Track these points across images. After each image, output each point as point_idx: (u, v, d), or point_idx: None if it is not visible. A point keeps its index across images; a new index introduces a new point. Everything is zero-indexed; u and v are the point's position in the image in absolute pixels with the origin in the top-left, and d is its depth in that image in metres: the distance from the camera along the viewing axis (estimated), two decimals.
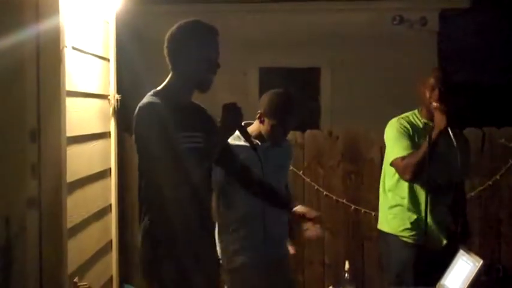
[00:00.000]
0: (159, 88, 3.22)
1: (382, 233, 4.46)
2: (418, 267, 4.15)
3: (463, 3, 9.40)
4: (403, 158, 4.17)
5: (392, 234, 4.32)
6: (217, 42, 3.23)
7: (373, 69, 9.09)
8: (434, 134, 4.05)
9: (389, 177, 4.37)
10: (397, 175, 4.26)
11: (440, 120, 4.06)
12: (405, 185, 4.24)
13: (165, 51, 3.22)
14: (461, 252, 3.55)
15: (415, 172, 4.12)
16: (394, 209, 4.33)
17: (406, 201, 4.25)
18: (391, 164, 4.25)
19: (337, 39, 9.21)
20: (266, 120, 3.99)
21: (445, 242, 4.25)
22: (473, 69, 10.15)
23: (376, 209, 5.95)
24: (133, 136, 3.20)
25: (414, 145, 4.19)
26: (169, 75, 3.25)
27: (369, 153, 6.11)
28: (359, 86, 9.10)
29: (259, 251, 3.99)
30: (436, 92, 4.20)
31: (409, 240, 4.25)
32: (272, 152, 4.02)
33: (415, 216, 4.23)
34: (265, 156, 3.93)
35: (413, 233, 4.23)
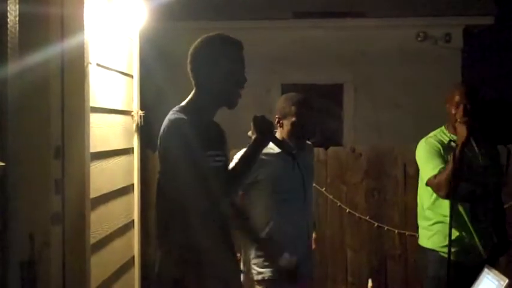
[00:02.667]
0: (183, 104, 3.14)
1: (422, 249, 4.43)
2: (458, 283, 4.11)
3: (487, 19, 9.39)
4: (435, 176, 4.16)
5: (433, 250, 4.30)
6: (243, 56, 3.15)
7: (397, 85, 9.08)
8: (458, 148, 4.04)
9: (426, 196, 4.35)
10: (434, 193, 4.25)
11: (462, 133, 4.06)
12: (444, 202, 4.21)
13: (189, 67, 3.14)
14: (486, 270, 3.50)
15: (448, 188, 4.10)
16: (434, 226, 4.31)
17: (446, 218, 4.21)
18: (427, 184, 4.25)
19: (360, 56, 9.22)
20: (285, 122, 4.01)
21: (485, 254, 4.22)
22: (497, 85, 10.10)
23: (399, 226, 5.96)
24: (158, 151, 3.12)
25: (444, 162, 4.18)
26: (193, 92, 3.17)
27: (392, 170, 6.08)
28: (382, 102, 9.09)
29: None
30: (461, 108, 4.18)
31: (453, 257, 4.20)
32: (300, 154, 4.04)
33: (456, 233, 4.19)
34: (298, 160, 3.95)
35: (454, 249, 4.19)
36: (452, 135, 4.27)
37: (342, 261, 6.06)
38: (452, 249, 4.18)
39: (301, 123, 4.03)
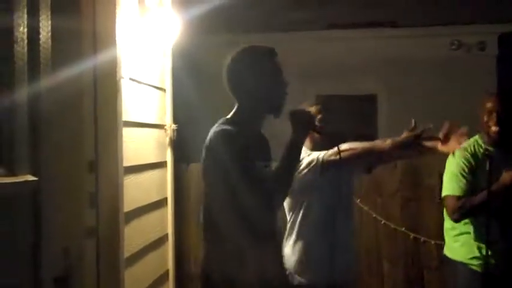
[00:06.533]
0: (228, 117, 3.10)
1: (448, 260, 4.34)
2: None
3: None
4: (458, 197, 4.09)
5: (460, 262, 4.21)
6: (279, 62, 3.12)
7: (431, 94, 9.00)
8: (496, 187, 3.96)
9: None
10: None
11: (505, 180, 3.97)
12: None
13: (227, 82, 3.09)
14: None
15: (464, 216, 4.10)
16: (461, 236, 4.22)
17: (472, 229, 4.14)
18: (444, 198, 4.17)
19: (394, 66, 9.16)
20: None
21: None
22: None
23: (435, 237, 5.86)
24: (203, 164, 3.03)
25: (473, 181, 4.09)
26: (236, 106, 3.11)
27: (428, 180, 6.00)
28: (416, 112, 8.96)
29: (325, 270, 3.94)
30: (494, 116, 4.11)
31: (478, 269, 4.12)
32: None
33: (483, 245, 4.10)
34: None
35: (481, 261, 4.11)
36: (486, 145, 4.19)
37: (379, 273, 5.98)
38: (480, 261, 4.10)
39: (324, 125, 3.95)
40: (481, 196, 3.98)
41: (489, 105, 4.16)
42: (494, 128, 4.09)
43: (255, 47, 3.14)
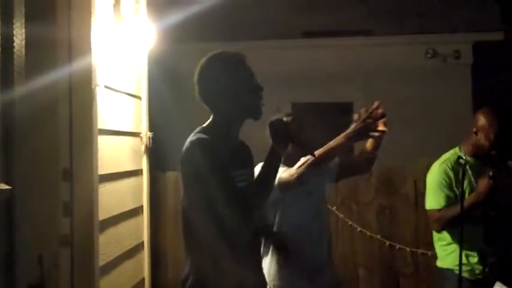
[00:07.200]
0: (204, 125, 3.07)
1: (439, 269, 4.38)
2: None
3: (496, 35, 9.36)
4: (438, 210, 4.14)
5: (449, 270, 4.24)
6: (249, 67, 3.08)
7: (406, 103, 9.05)
8: (470, 200, 4.01)
9: None
10: None
11: (482, 189, 4.00)
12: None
13: (199, 92, 3.06)
14: (498, 285, 3.48)
15: (443, 227, 4.16)
16: (450, 246, 4.25)
17: (460, 237, 4.17)
18: (428, 211, 4.24)
19: (369, 74, 9.21)
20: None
21: (500, 274, 4.16)
22: (507, 101, 10.05)
23: (411, 244, 5.91)
24: (181, 174, 3.00)
25: (454, 193, 4.13)
26: (212, 115, 3.08)
27: (403, 188, 6.05)
28: (391, 120, 9.04)
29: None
30: (491, 135, 4.10)
31: (468, 276, 4.15)
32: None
33: (472, 252, 4.14)
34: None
35: (470, 268, 4.14)
36: (467, 156, 4.19)
37: (354, 280, 6.01)
38: (468, 268, 4.13)
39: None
40: (456, 209, 4.02)
41: (485, 126, 4.13)
42: (494, 152, 4.11)
43: (224, 52, 3.12)
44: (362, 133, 3.67)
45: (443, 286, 4.33)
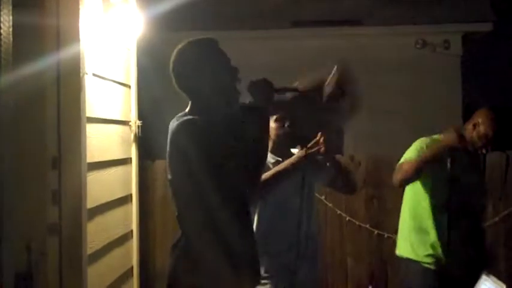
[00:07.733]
0: (186, 111, 3.06)
1: (401, 259, 4.38)
2: None
3: (485, 26, 9.38)
4: (404, 163, 4.17)
5: (413, 260, 4.25)
6: (222, 50, 3.08)
7: (395, 93, 9.07)
8: (440, 145, 4.06)
9: (409, 202, 4.34)
10: (417, 200, 4.23)
11: (453, 138, 4.04)
12: (426, 210, 4.19)
13: (176, 81, 3.06)
14: (484, 277, 3.49)
15: (403, 177, 4.18)
16: (415, 235, 4.26)
17: (427, 227, 4.19)
18: (399, 167, 4.25)
19: (358, 64, 9.18)
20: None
21: (465, 268, 4.17)
22: (496, 91, 10.09)
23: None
24: (168, 155, 3.00)
25: (435, 177, 4.16)
26: (190, 102, 3.08)
27: (391, 178, 6.05)
28: (381, 110, 9.07)
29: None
30: (485, 138, 4.13)
31: (431, 267, 4.18)
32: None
33: (437, 242, 4.16)
34: None
35: (434, 259, 4.16)
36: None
37: (342, 269, 6.04)
38: (433, 259, 4.15)
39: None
40: (421, 156, 4.08)
41: (482, 126, 4.15)
42: (484, 151, 4.14)
43: (195, 38, 3.10)
44: (304, 162, 3.74)
45: (408, 277, 4.35)
